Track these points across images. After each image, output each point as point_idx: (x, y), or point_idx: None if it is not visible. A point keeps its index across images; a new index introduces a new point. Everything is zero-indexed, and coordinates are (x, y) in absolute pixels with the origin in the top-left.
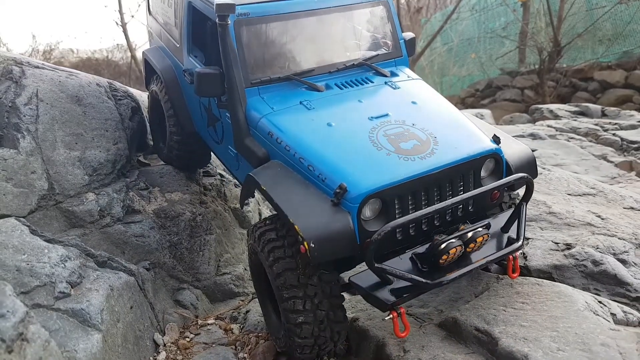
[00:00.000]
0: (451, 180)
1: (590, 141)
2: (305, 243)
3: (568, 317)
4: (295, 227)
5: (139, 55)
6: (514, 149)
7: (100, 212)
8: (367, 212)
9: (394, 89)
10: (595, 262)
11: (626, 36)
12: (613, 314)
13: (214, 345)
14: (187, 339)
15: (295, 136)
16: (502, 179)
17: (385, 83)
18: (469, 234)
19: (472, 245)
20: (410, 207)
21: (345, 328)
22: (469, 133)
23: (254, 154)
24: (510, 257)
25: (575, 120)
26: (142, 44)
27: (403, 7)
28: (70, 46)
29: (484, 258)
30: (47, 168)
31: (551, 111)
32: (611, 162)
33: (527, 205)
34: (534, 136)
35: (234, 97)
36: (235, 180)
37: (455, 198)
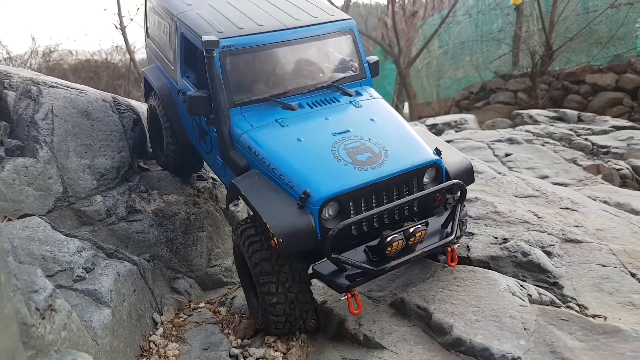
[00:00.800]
0: (397, 185)
1: (564, 145)
2: (275, 238)
3: (489, 297)
4: (267, 225)
5: (137, 56)
6: (454, 159)
7: (107, 212)
8: (326, 212)
9: (357, 107)
10: (524, 254)
11: (617, 40)
12: (530, 295)
13: (203, 324)
14: (181, 319)
15: (270, 149)
16: (441, 184)
17: (350, 102)
18: (410, 230)
19: (412, 239)
20: (362, 208)
21: (312, 308)
22: (415, 146)
23: (237, 165)
24: (449, 248)
25: (552, 125)
26: (140, 46)
27: (398, 12)
28: (69, 48)
29: (422, 249)
30: (62, 174)
31: (531, 116)
32: (580, 165)
33: (477, 205)
34: (511, 141)
35: (220, 116)
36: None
37: (398, 201)
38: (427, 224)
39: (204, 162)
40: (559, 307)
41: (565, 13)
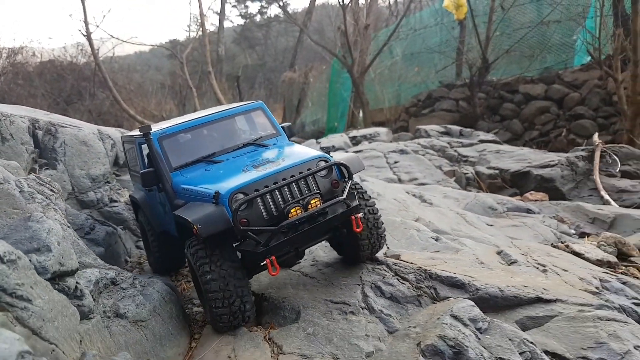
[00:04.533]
0: (294, 176)
1: (439, 155)
2: (194, 226)
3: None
4: (189, 220)
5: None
6: (344, 155)
7: (98, 201)
8: (235, 202)
9: (269, 149)
10: None
11: (547, 53)
12: None
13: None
14: (142, 261)
15: (196, 181)
16: (332, 175)
17: (265, 148)
18: (305, 200)
19: (309, 206)
20: (269, 198)
21: (251, 302)
22: (307, 153)
23: (178, 206)
24: (352, 217)
25: (437, 139)
26: (105, 52)
27: (352, 24)
28: (34, 49)
29: (318, 207)
30: (71, 179)
31: (426, 131)
32: (442, 170)
33: None
34: (402, 151)
35: (163, 179)
36: None
37: (289, 180)
38: (321, 196)
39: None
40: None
41: (499, 29)
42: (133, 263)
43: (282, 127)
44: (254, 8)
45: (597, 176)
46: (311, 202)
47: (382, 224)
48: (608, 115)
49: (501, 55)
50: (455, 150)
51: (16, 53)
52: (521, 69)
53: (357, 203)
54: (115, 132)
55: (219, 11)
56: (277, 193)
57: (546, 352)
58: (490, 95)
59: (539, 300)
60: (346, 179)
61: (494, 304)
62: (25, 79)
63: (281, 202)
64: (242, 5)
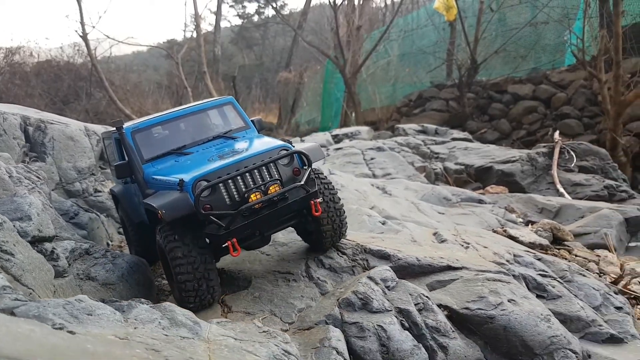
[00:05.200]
0: (255, 164)
1: (413, 152)
2: (159, 211)
3: None
4: (153, 205)
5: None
6: (305, 145)
7: (83, 191)
8: (203, 192)
9: (237, 141)
10: None
11: (534, 54)
12: None
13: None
14: (123, 245)
15: (164, 171)
16: (294, 163)
17: (234, 139)
18: (266, 186)
19: (269, 191)
20: (232, 185)
21: (217, 283)
22: (269, 143)
23: (149, 195)
24: (312, 202)
25: (414, 137)
26: (102, 51)
27: (344, 25)
28: (31, 49)
29: (277, 192)
30: (58, 171)
31: (404, 130)
32: (414, 166)
33: None
34: (379, 149)
35: (135, 170)
36: None
37: (250, 167)
38: (280, 182)
39: None
40: None
41: (489, 30)
42: (114, 246)
43: (252, 121)
44: (251, 8)
45: (555, 171)
46: (270, 188)
47: (344, 212)
48: (593, 115)
49: (489, 56)
50: (429, 148)
51: (14, 53)
52: (510, 69)
53: (317, 189)
54: (101, 129)
55: (215, 11)
56: (240, 180)
57: (439, 305)
58: (479, 95)
59: (448, 267)
60: (306, 167)
61: (412, 271)
62: (23, 78)
63: (243, 188)
64: (240, 5)
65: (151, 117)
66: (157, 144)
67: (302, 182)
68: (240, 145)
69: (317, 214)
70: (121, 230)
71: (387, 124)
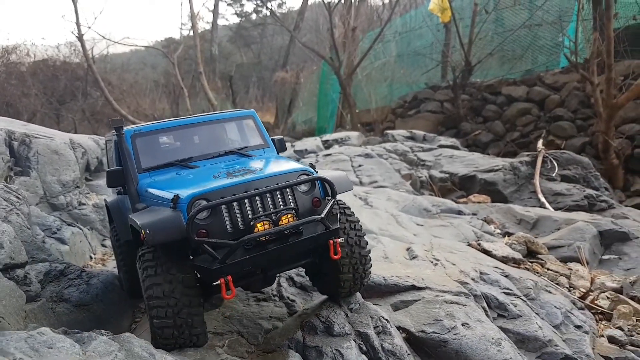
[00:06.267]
0: (268, 187)
1: (401, 160)
2: (142, 231)
3: None
4: (138, 223)
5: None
6: (333, 174)
7: (67, 204)
8: (201, 214)
9: (252, 159)
10: None
11: (528, 56)
12: None
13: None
14: (106, 258)
15: (163, 185)
16: (314, 192)
17: (249, 157)
18: (277, 215)
19: (281, 222)
20: (236, 209)
21: (204, 330)
22: (289, 165)
23: (138, 210)
24: (331, 241)
25: (402, 143)
26: (98, 52)
27: (339, 26)
28: (28, 49)
29: (290, 225)
30: (43, 185)
31: (393, 136)
32: (401, 174)
33: None
34: (367, 155)
35: (129, 179)
36: None
37: (259, 190)
38: (295, 211)
39: None
40: None
41: (482, 32)
42: (97, 259)
43: (273, 140)
44: (249, 6)
45: (537, 180)
46: (282, 218)
47: (369, 260)
48: (586, 117)
49: (484, 57)
50: (416, 155)
51: (10, 52)
52: (506, 70)
53: (339, 226)
54: (87, 141)
55: (213, 9)
56: (247, 203)
57: (399, 328)
58: (473, 97)
59: (413, 287)
60: (329, 198)
61: (379, 290)
62: (19, 78)
63: (250, 214)
64: (238, 4)
65: (159, 122)
66: (159, 153)
67: (322, 215)
68: (255, 164)
69: (336, 257)
70: (105, 242)
71: (382, 125)
